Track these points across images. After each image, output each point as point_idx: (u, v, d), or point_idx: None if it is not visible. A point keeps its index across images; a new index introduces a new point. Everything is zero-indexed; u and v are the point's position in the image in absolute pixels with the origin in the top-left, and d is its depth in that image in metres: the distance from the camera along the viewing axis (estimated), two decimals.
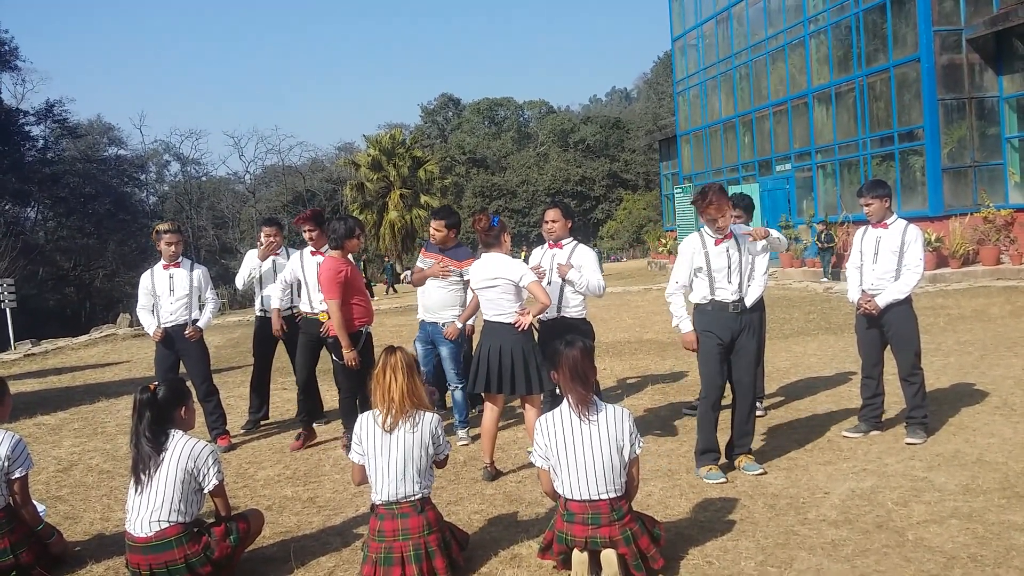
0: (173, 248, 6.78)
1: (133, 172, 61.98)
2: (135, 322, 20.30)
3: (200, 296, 6.98)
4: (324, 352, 6.75)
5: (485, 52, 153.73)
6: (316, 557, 4.35)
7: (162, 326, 6.79)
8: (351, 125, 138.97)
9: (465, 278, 6.63)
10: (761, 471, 5.19)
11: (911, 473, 5.02)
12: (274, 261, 7.46)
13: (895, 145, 19.32)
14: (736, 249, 5.28)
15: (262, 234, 7.51)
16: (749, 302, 5.39)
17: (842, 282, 19.19)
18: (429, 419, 4.06)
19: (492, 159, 68.96)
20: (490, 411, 5.62)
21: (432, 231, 6.70)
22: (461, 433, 6.57)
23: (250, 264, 7.54)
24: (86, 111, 73.74)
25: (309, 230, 6.93)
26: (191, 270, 6.90)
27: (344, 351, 6.05)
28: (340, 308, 6.02)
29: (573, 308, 5.94)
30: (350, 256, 6.33)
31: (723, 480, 5.10)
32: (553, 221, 6.03)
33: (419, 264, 6.83)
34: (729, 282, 5.27)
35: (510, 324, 5.45)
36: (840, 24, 20.83)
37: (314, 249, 6.93)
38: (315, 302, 6.75)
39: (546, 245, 6.92)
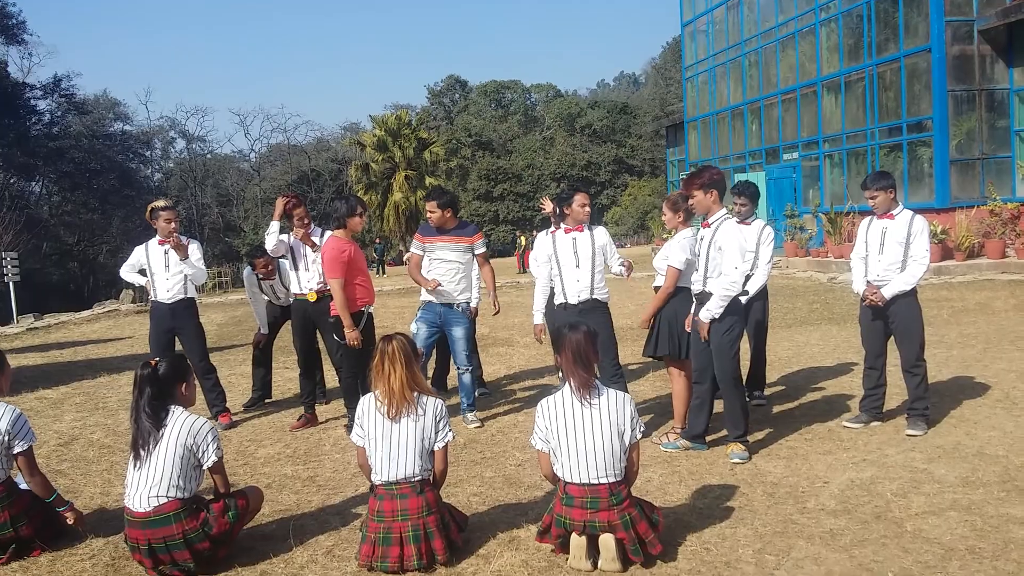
0: (173, 225, 6.73)
1: (138, 148, 61.97)
2: (138, 298, 20.34)
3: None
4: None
5: (493, 34, 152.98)
6: (315, 536, 4.37)
7: (161, 300, 6.77)
8: (357, 105, 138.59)
9: (477, 252, 6.68)
10: (738, 461, 5.21)
11: (911, 464, 5.02)
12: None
13: (903, 136, 19.21)
14: (708, 238, 5.32)
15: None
16: (752, 290, 5.39)
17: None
18: (433, 405, 4.05)
19: (498, 142, 68.72)
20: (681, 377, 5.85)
21: (428, 214, 6.68)
22: (470, 416, 6.58)
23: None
24: (92, 86, 73.31)
25: (301, 216, 6.86)
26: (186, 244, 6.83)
27: (346, 331, 6.04)
28: (343, 288, 6.01)
29: (602, 291, 5.95)
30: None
31: (674, 449, 5.48)
32: (583, 206, 5.94)
33: (413, 250, 6.77)
34: (696, 269, 5.44)
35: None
36: (851, 12, 20.67)
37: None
38: (303, 282, 6.74)
39: (551, 229, 6.90)
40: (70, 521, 4.40)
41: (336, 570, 3.95)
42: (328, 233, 6.58)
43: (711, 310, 5.21)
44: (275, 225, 6.77)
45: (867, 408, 5.97)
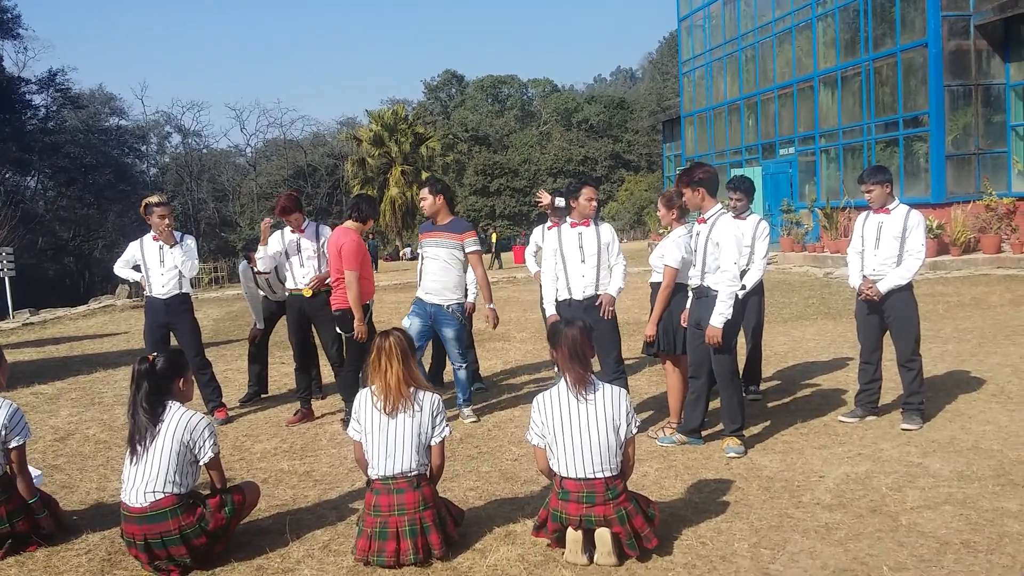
0: (167, 221, 6.70)
1: (134, 143, 61.79)
2: (134, 293, 20.31)
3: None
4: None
5: (490, 29, 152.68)
6: (311, 530, 4.37)
7: (156, 296, 6.75)
8: (354, 100, 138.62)
9: (468, 250, 6.60)
10: (734, 455, 5.22)
11: (906, 459, 5.04)
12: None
13: (900, 131, 19.23)
14: (705, 234, 5.30)
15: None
16: (749, 285, 5.39)
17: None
18: (429, 400, 4.06)
19: (495, 137, 68.65)
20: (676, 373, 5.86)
21: (420, 202, 6.73)
22: (466, 411, 6.58)
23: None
24: (88, 80, 73.71)
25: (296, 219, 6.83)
26: (181, 240, 6.81)
27: (356, 323, 6.11)
28: (357, 280, 6.07)
29: (606, 287, 5.89)
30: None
31: (670, 444, 5.51)
32: (590, 199, 5.78)
33: (420, 249, 6.86)
34: (692, 265, 5.44)
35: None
36: (848, 7, 20.66)
37: (293, 227, 6.81)
38: (299, 278, 6.73)
39: (548, 225, 6.88)
40: (44, 527, 4.32)
41: (332, 564, 3.95)
42: (311, 223, 6.87)
43: (723, 313, 5.14)
44: (263, 250, 6.82)
45: (862, 403, 5.98)
